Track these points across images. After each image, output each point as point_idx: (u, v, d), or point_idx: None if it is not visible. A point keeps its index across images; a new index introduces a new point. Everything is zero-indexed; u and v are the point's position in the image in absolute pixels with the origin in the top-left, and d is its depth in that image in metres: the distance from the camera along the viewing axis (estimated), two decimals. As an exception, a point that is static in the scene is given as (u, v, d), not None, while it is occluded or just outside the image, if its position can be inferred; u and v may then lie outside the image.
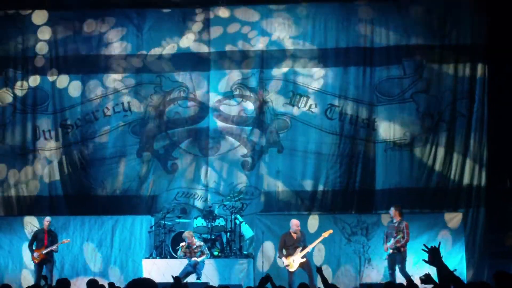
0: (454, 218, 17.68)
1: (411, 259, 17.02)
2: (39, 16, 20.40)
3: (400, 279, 16.23)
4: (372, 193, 19.17)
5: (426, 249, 7.48)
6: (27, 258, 18.15)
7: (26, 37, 20.34)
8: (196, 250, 16.71)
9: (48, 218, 17.74)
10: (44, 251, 17.34)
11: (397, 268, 16.51)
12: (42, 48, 20.30)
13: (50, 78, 20.22)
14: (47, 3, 20.38)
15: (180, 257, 17.07)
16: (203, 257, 16.68)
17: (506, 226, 18.51)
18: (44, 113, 20.17)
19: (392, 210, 16.75)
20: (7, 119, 20.20)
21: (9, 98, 20.24)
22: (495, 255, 18.14)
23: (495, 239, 18.43)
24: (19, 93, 20.26)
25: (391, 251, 16.45)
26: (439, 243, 7.63)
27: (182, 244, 16.77)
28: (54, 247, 17.45)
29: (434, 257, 7.31)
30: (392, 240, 16.46)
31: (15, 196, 19.97)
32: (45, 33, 20.34)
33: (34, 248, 17.51)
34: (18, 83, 20.27)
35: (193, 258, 16.59)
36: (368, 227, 17.60)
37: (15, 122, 20.20)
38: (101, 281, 15.86)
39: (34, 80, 20.27)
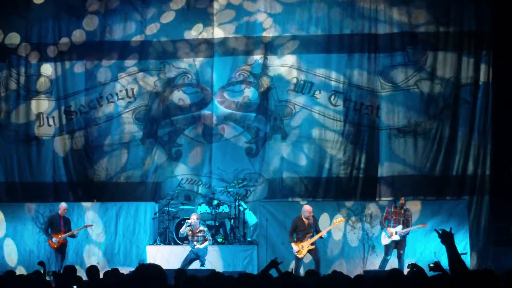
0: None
1: (415, 247, 17.10)
2: (41, 4, 20.36)
3: (391, 265, 16.27)
4: (376, 180, 19.18)
5: (438, 232, 7.49)
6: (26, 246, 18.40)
7: (29, 24, 20.32)
8: (198, 235, 16.69)
9: (64, 205, 17.67)
10: (63, 236, 17.28)
11: (393, 254, 16.52)
12: (45, 34, 20.28)
13: (54, 65, 20.22)
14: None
15: (182, 235, 17.07)
16: (206, 243, 16.67)
17: (510, 214, 18.47)
18: (48, 100, 20.18)
19: (402, 198, 16.73)
20: (11, 105, 20.20)
21: (13, 85, 20.26)
22: (499, 243, 18.17)
23: (499, 227, 18.43)
24: (22, 79, 20.26)
25: (398, 237, 16.43)
26: (451, 228, 7.64)
27: (188, 221, 16.80)
28: (74, 232, 17.41)
29: (446, 240, 7.32)
30: (400, 227, 16.43)
31: (19, 182, 20.00)
32: (47, 20, 20.31)
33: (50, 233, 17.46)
34: (22, 70, 20.27)
35: (196, 246, 16.59)
36: (372, 214, 17.59)
37: (19, 108, 20.19)
38: (105, 267, 15.96)
39: (38, 67, 20.27)
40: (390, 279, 8.42)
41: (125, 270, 15.07)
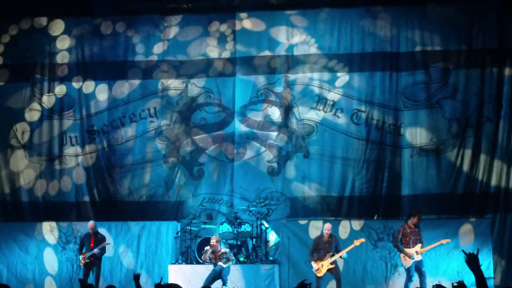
0: None
1: (438, 265, 16.97)
2: (64, 24, 20.53)
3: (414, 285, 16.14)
4: (399, 198, 19.07)
5: (465, 254, 7.38)
6: (48, 265, 18.46)
7: (53, 45, 20.46)
8: (221, 257, 16.68)
9: (92, 223, 17.70)
10: (88, 254, 17.36)
11: (415, 274, 16.36)
12: (69, 55, 20.40)
13: (77, 85, 20.34)
14: (73, 10, 20.47)
15: (207, 263, 17.03)
16: (229, 263, 16.64)
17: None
18: (70, 119, 20.27)
19: (417, 216, 16.57)
20: (34, 124, 20.30)
21: (36, 105, 20.37)
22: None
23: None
24: (46, 99, 20.37)
25: (420, 257, 16.29)
26: (478, 250, 7.55)
27: (207, 248, 16.76)
28: (95, 250, 17.44)
29: (472, 263, 7.20)
30: (419, 245, 16.29)
31: (42, 201, 20.07)
32: (71, 41, 20.45)
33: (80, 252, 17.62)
34: (45, 89, 20.39)
35: (219, 263, 16.57)
36: (395, 233, 17.45)
37: (42, 128, 20.30)
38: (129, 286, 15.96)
39: (61, 87, 20.39)
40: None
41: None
